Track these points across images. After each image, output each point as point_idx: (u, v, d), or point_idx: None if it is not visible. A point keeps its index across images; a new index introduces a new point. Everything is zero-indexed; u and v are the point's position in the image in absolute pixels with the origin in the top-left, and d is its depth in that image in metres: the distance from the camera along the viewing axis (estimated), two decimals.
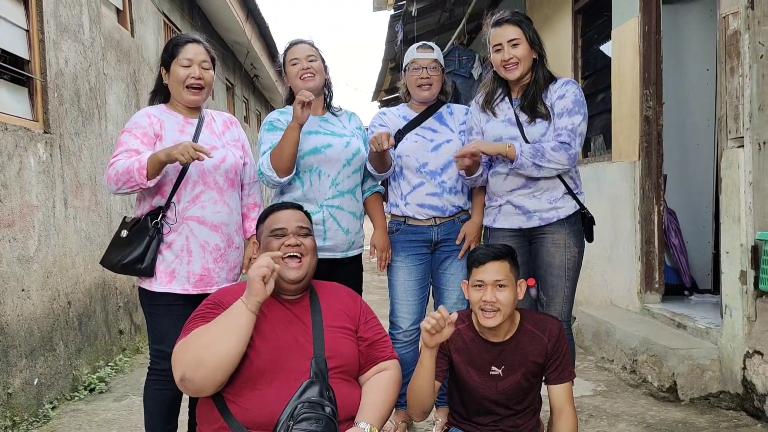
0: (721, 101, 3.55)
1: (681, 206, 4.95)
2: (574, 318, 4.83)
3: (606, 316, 4.62)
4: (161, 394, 2.62)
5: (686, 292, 4.81)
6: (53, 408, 3.67)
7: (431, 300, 3.25)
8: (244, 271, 2.77)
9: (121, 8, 5.54)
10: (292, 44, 3.00)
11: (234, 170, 2.74)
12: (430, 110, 3.13)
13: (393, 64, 10.71)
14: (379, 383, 2.22)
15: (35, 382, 3.55)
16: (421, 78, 3.04)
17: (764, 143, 3.27)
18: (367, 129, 3.18)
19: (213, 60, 2.75)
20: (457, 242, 3.07)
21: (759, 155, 3.27)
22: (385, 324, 2.68)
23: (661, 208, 4.52)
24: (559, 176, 2.82)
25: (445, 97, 3.18)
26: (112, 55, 5.06)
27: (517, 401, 2.37)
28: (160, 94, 2.76)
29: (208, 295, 2.50)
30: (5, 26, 3.63)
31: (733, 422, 3.32)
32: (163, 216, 2.59)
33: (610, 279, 5.01)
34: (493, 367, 2.34)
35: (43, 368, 3.65)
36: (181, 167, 2.56)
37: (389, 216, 3.18)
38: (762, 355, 3.26)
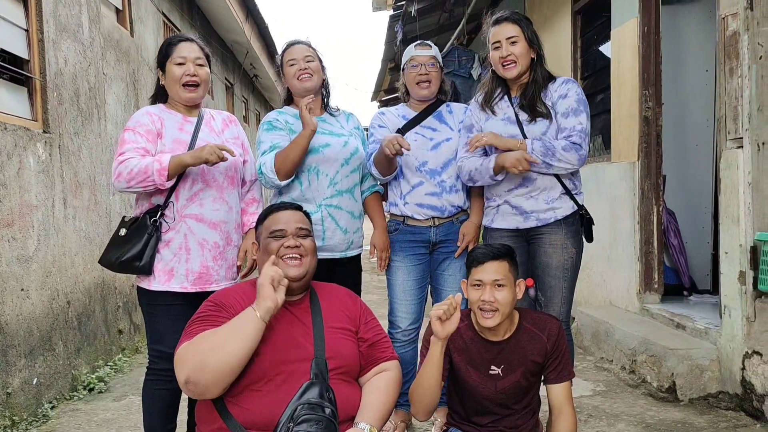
0: (720, 102, 3.56)
1: (680, 207, 4.96)
2: (574, 318, 4.83)
3: (605, 316, 4.62)
4: (160, 393, 2.62)
5: (685, 293, 4.81)
6: (52, 408, 3.67)
7: (430, 299, 3.25)
8: (239, 263, 2.77)
9: (120, 8, 5.54)
10: (290, 45, 3.00)
11: (234, 168, 2.75)
12: (429, 109, 3.13)
13: (392, 65, 10.70)
14: (379, 384, 2.22)
15: (34, 382, 3.55)
16: (420, 75, 3.04)
17: (763, 144, 3.27)
18: (366, 129, 3.19)
19: (208, 57, 2.76)
20: (458, 243, 3.07)
21: (758, 156, 3.28)
22: (384, 324, 2.69)
23: (661, 209, 4.53)
24: (557, 176, 2.82)
25: (444, 96, 3.19)
26: (111, 54, 5.06)
27: (516, 401, 2.38)
28: (161, 97, 2.77)
29: (206, 293, 2.51)
30: (5, 26, 3.63)
31: (732, 422, 3.32)
32: (162, 214, 2.60)
33: (609, 279, 5.02)
34: (493, 367, 2.34)
35: (43, 368, 3.65)
36: None
37: (388, 215, 3.18)
38: (761, 355, 3.27)
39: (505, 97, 2.92)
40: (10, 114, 3.61)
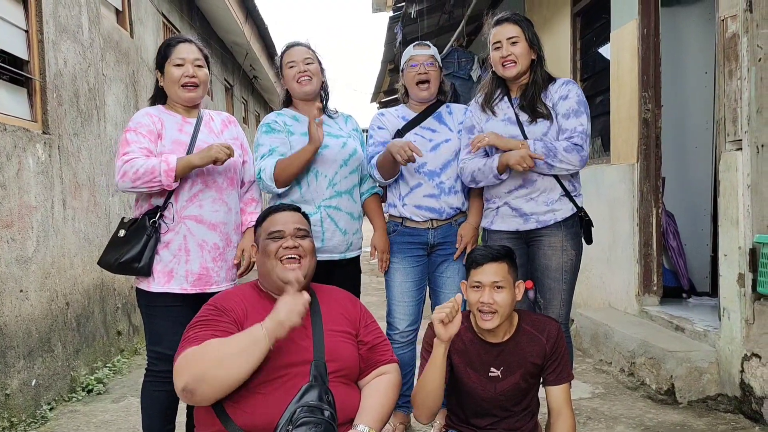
0: (720, 104, 3.56)
1: (679, 209, 4.96)
2: (573, 320, 4.83)
3: (604, 318, 4.62)
4: (159, 395, 2.62)
5: (684, 295, 4.81)
6: (51, 409, 3.67)
7: (428, 301, 3.24)
8: (235, 261, 2.76)
9: (120, 9, 5.54)
10: (289, 46, 3.00)
11: (233, 169, 2.75)
12: (429, 110, 3.13)
13: (392, 66, 10.71)
14: (378, 386, 2.22)
15: (33, 383, 3.55)
16: (419, 74, 3.04)
17: (762, 146, 3.27)
18: (365, 131, 3.19)
19: (206, 58, 2.76)
20: (456, 245, 3.07)
21: (757, 158, 3.28)
22: (383, 325, 2.68)
23: (660, 211, 4.53)
24: (557, 178, 2.82)
25: (444, 96, 3.19)
26: (111, 55, 5.06)
27: (515, 402, 2.37)
28: (160, 99, 2.77)
29: (206, 295, 2.51)
30: (4, 27, 3.63)
31: (731, 425, 3.32)
32: (161, 215, 2.60)
33: (608, 281, 5.02)
34: (492, 368, 2.34)
35: (41, 369, 3.64)
36: None
37: (387, 216, 3.18)
38: (760, 358, 3.27)
39: (505, 98, 2.92)
40: (9, 115, 3.61)
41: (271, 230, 2.27)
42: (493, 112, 2.91)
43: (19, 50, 3.76)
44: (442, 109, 3.15)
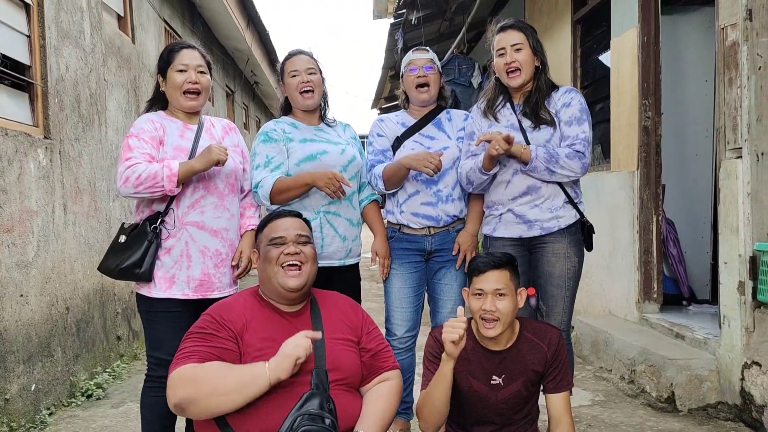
0: (720, 112, 3.57)
1: (679, 216, 4.96)
2: (573, 327, 4.82)
3: (604, 325, 4.62)
4: (158, 401, 2.61)
5: (684, 303, 4.81)
6: (50, 414, 3.66)
7: (427, 307, 3.24)
8: (233, 263, 2.76)
9: (122, 15, 5.56)
10: (292, 55, 3.00)
11: (234, 175, 2.76)
12: (429, 117, 3.13)
13: (393, 72, 10.73)
14: (380, 392, 2.22)
15: (33, 388, 3.54)
16: (418, 77, 3.05)
17: (762, 154, 3.28)
18: (365, 138, 3.19)
19: (209, 65, 2.77)
20: (453, 253, 3.06)
21: (757, 166, 3.28)
22: (382, 331, 2.68)
23: (660, 218, 4.53)
24: (560, 184, 2.83)
25: (444, 102, 3.19)
26: (112, 61, 5.07)
27: (516, 410, 2.37)
28: (158, 103, 2.78)
29: (207, 301, 2.51)
30: (7, 32, 3.64)
31: None
32: (162, 221, 2.60)
33: (608, 288, 5.01)
34: (494, 376, 2.34)
35: (41, 374, 3.64)
36: None
37: (386, 223, 3.19)
38: (760, 366, 3.26)
39: (508, 104, 2.93)
40: (11, 120, 3.62)
41: (273, 236, 2.27)
42: (496, 119, 2.92)
43: (21, 55, 3.77)
44: (442, 115, 3.15)
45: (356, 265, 3.06)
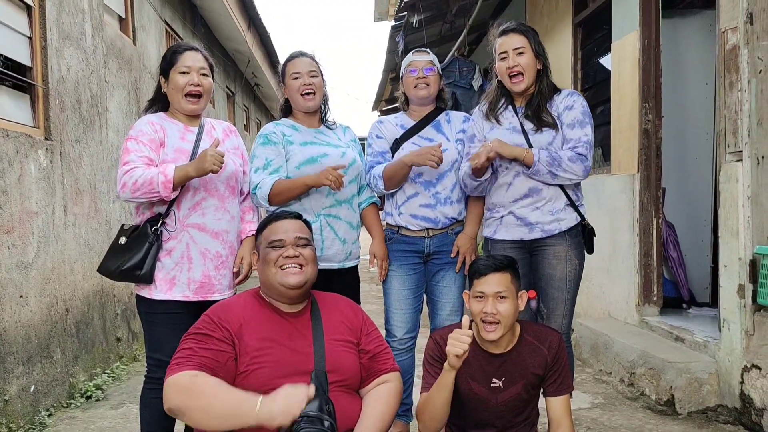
0: (720, 115, 3.57)
1: (680, 219, 4.96)
2: (573, 330, 4.82)
3: (604, 328, 4.62)
4: (158, 402, 2.59)
5: (684, 305, 4.81)
6: (49, 415, 3.66)
7: (425, 308, 3.24)
8: (234, 269, 2.76)
9: (123, 16, 5.56)
10: (294, 57, 3.00)
11: (234, 178, 2.76)
12: (427, 118, 3.13)
13: (393, 75, 10.72)
14: (380, 395, 2.22)
15: (32, 389, 3.54)
16: (418, 79, 3.04)
17: (763, 157, 3.28)
18: (364, 140, 3.19)
19: (211, 67, 2.77)
20: (452, 255, 3.06)
21: (757, 169, 3.29)
22: (382, 332, 2.68)
23: (660, 221, 4.53)
24: (562, 187, 2.83)
25: (443, 104, 3.19)
26: (113, 62, 5.08)
27: (516, 413, 2.37)
28: (159, 103, 2.78)
29: (208, 303, 2.50)
30: (8, 33, 3.65)
31: None
32: (163, 223, 2.60)
33: (608, 291, 5.01)
34: (494, 379, 2.34)
35: (40, 375, 3.64)
36: None
37: (384, 225, 3.19)
38: (760, 369, 3.26)
39: (510, 107, 2.93)
40: (12, 121, 3.62)
41: (272, 239, 2.26)
42: (498, 121, 2.92)
43: (23, 57, 3.78)
44: (441, 117, 3.15)
45: (355, 267, 3.07)
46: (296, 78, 2.93)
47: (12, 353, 3.36)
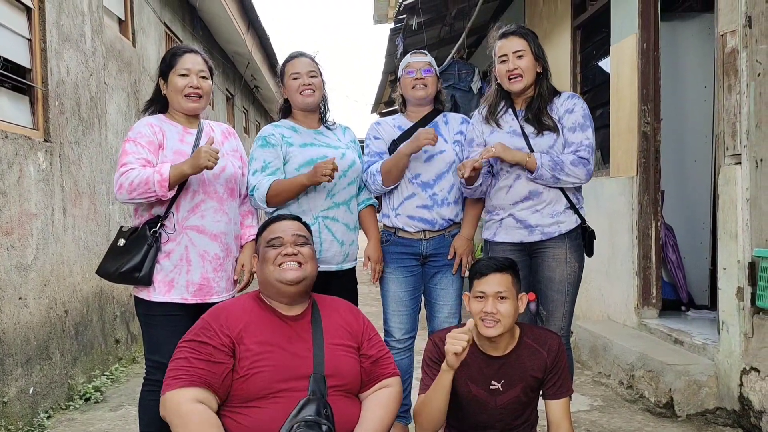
0: (719, 118, 3.58)
1: (678, 222, 4.97)
2: (572, 332, 4.82)
3: (603, 331, 4.62)
4: (156, 404, 2.58)
5: (683, 308, 4.81)
6: (48, 417, 3.65)
7: (423, 310, 3.24)
8: (235, 277, 2.77)
9: (123, 18, 5.57)
10: (293, 57, 3.00)
11: (233, 180, 2.76)
12: (425, 120, 3.13)
13: (393, 77, 10.73)
14: (379, 399, 2.22)
15: (31, 391, 3.54)
16: (415, 80, 3.04)
17: (761, 160, 3.29)
18: (362, 142, 3.20)
19: (210, 70, 2.77)
20: (449, 257, 3.06)
21: (756, 172, 3.29)
22: (381, 334, 2.69)
23: (659, 224, 4.54)
24: (562, 190, 2.83)
25: (441, 106, 3.19)
26: (113, 64, 5.08)
27: (515, 416, 2.37)
28: (157, 104, 2.78)
29: (206, 305, 2.50)
30: (7, 35, 3.65)
31: None
32: (162, 225, 2.60)
33: (607, 294, 5.02)
34: (493, 382, 2.34)
35: (39, 377, 3.63)
36: None
37: (381, 226, 3.19)
38: (759, 371, 3.26)
39: (510, 110, 2.93)
40: (11, 123, 3.62)
41: (270, 238, 2.27)
42: (498, 125, 2.92)
43: (22, 58, 3.78)
44: (439, 118, 3.15)
45: (353, 269, 3.07)
46: (296, 78, 2.93)
47: (11, 355, 3.36)
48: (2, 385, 3.27)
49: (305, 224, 2.40)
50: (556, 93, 2.91)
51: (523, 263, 2.84)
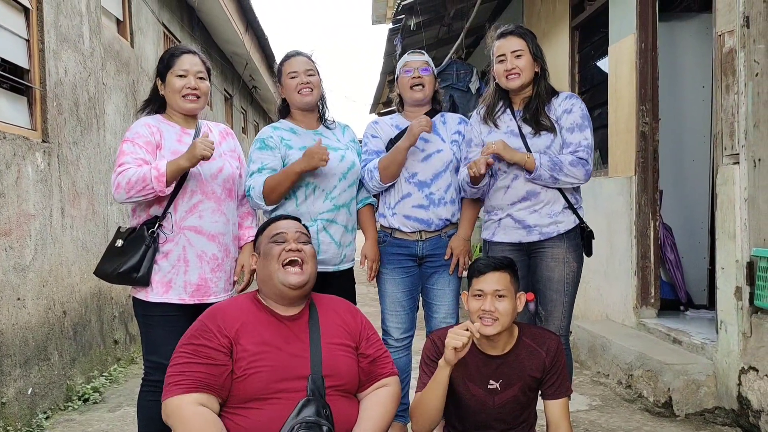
0: (717, 118, 3.58)
1: (677, 222, 4.97)
2: (571, 332, 4.82)
3: (602, 330, 4.62)
4: (155, 405, 2.59)
5: (682, 308, 4.82)
6: (47, 418, 3.65)
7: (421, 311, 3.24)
8: (235, 278, 2.77)
9: (121, 19, 5.56)
10: (290, 56, 3.00)
11: (231, 180, 2.76)
12: None
13: (391, 77, 10.73)
14: (378, 399, 2.21)
15: (29, 392, 3.53)
16: (413, 78, 3.04)
17: (759, 160, 3.29)
18: (360, 142, 3.19)
19: (208, 71, 2.77)
20: (446, 257, 3.06)
21: (754, 172, 3.30)
22: (379, 332, 2.68)
23: (657, 224, 4.54)
24: (560, 190, 2.83)
25: (438, 106, 3.19)
26: (111, 65, 5.08)
27: (513, 416, 2.37)
28: (155, 104, 2.78)
29: (204, 305, 2.50)
30: (6, 36, 3.65)
31: None
32: (160, 225, 2.60)
33: (606, 293, 5.02)
34: (491, 381, 2.34)
35: (38, 378, 3.63)
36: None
37: (378, 226, 3.19)
38: (757, 371, 3.27)
39: (508, 110, 2.93)
40: (9, 123, 3.62)
41: (274, 233, 2.27)
42: (496, 125, 2.92)
43: (20, 59, 3.78)
44: (437, 118, 3.14)
45: (351, 269, 3.06)
46: (293, 77, 2.93)
47: (9, 356, 3.36)
48: (1, 386, 3.27)
49: (305, 226, 2.40)
50: (555, 93, 2.91)
51: (522, 263, 2.84)
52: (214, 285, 2.67)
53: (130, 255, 2.57)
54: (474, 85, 6.88)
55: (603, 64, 5.31)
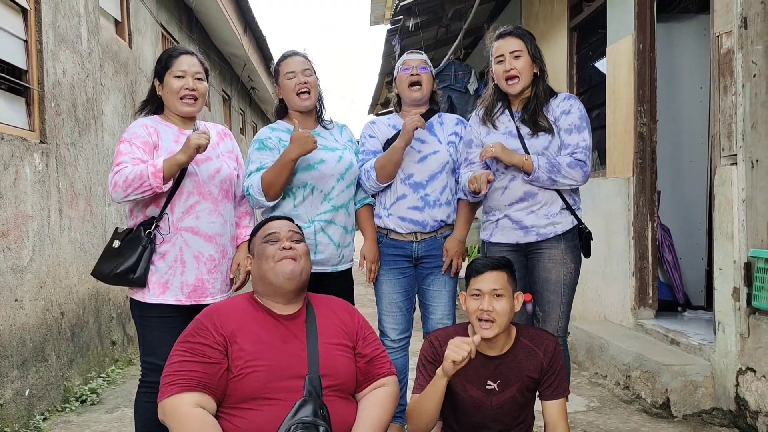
0: (715, 119, 3.59)
1: (675, 222, 4.98)
2: (568, 333, 4.83)
3: (599, 331, 4.62)
4: (152, 406, 2.58)
5: (679, 309, 4.82)
6: (44, 419, 3.65)
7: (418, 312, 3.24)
8: (231, 276, 2.76)
9: (119, 20, 5.56)
10: (287, 56, 3.00)
11: (228, 181, 2.75)
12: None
13: (389, 78, 10.73)
14: (376, 399, 2.21)
15: (27, 393, 3.53)
16: (411, 75, 3.04)
17: (757, 161, 3.29)
18: (358, 142, 3.19)
19: (206, 72, 2.77)
20: (443, 259, 3.06)
21: (752, 173, 3.30)
22: (376, 332, 2.68)
23: (655, 224, 4.55)
24: (558, 191, 2.83)
25: (436, 106, 3.19)
26: (109, 66, 5.08)
27: (511, 416, 2.37)
28: (152, 104, 2.77)
29: (201, 306, 2.50)
30: (4, 36, 3.64)
31: None
32: (156, 226, 2.59)
33: (603, 294, 5.02)
34: (489, 382, 2.34)
35: (35, 379, 3.63)
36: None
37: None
38: (755, 372, 3.27)
39: (506, 111, 2.93)
40: (7, 124, 3.62)
41: (267, 233, 2.28)
42: (494, 126, 2.92)
43: (18, 60, 3.77)
44: (434, 119, 3.14)
45: (349, 270, 3.06)
46: (291, 77, 2.92)
47: (6, 357, 3.35)
48: None
49: (297, 226, 2.41)
50: (553, 94, 2.91)
51: (520, 264, 2.84)
52: (210, 286, 2.66)
53: (127, 256, 2.57)
54: (472, 86, 6.88)
55: (601, 65, 5.32)
